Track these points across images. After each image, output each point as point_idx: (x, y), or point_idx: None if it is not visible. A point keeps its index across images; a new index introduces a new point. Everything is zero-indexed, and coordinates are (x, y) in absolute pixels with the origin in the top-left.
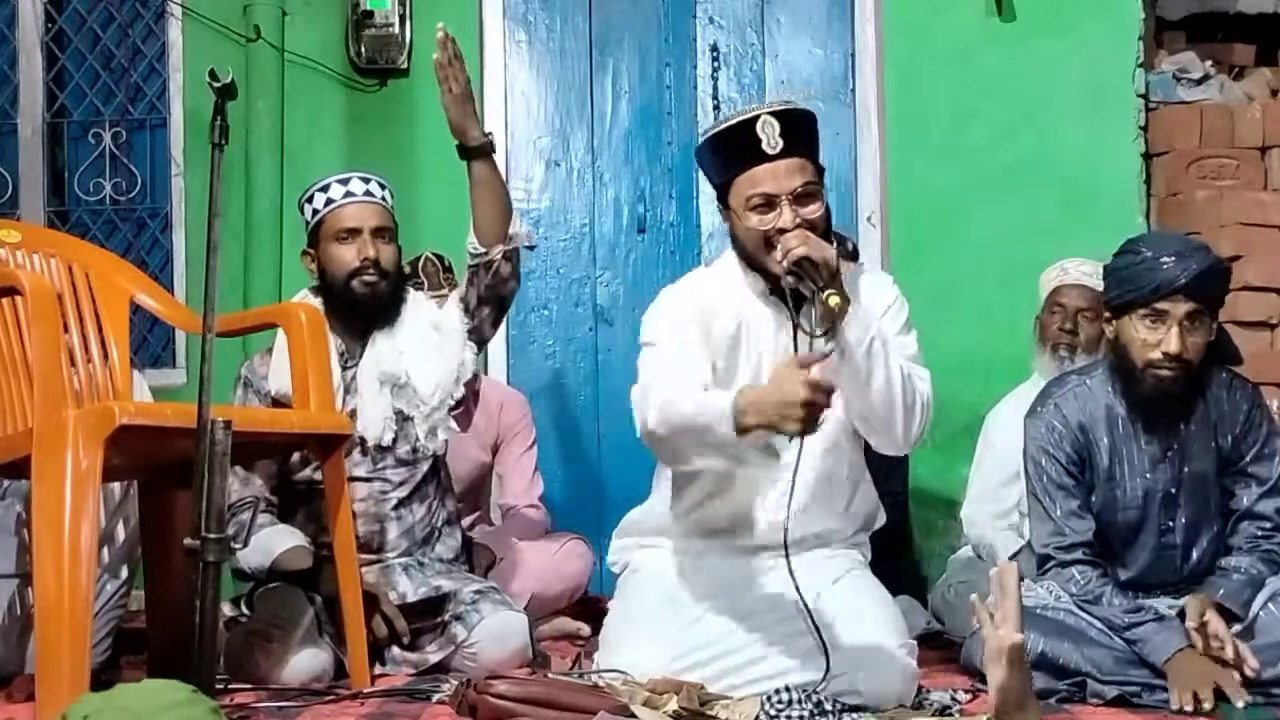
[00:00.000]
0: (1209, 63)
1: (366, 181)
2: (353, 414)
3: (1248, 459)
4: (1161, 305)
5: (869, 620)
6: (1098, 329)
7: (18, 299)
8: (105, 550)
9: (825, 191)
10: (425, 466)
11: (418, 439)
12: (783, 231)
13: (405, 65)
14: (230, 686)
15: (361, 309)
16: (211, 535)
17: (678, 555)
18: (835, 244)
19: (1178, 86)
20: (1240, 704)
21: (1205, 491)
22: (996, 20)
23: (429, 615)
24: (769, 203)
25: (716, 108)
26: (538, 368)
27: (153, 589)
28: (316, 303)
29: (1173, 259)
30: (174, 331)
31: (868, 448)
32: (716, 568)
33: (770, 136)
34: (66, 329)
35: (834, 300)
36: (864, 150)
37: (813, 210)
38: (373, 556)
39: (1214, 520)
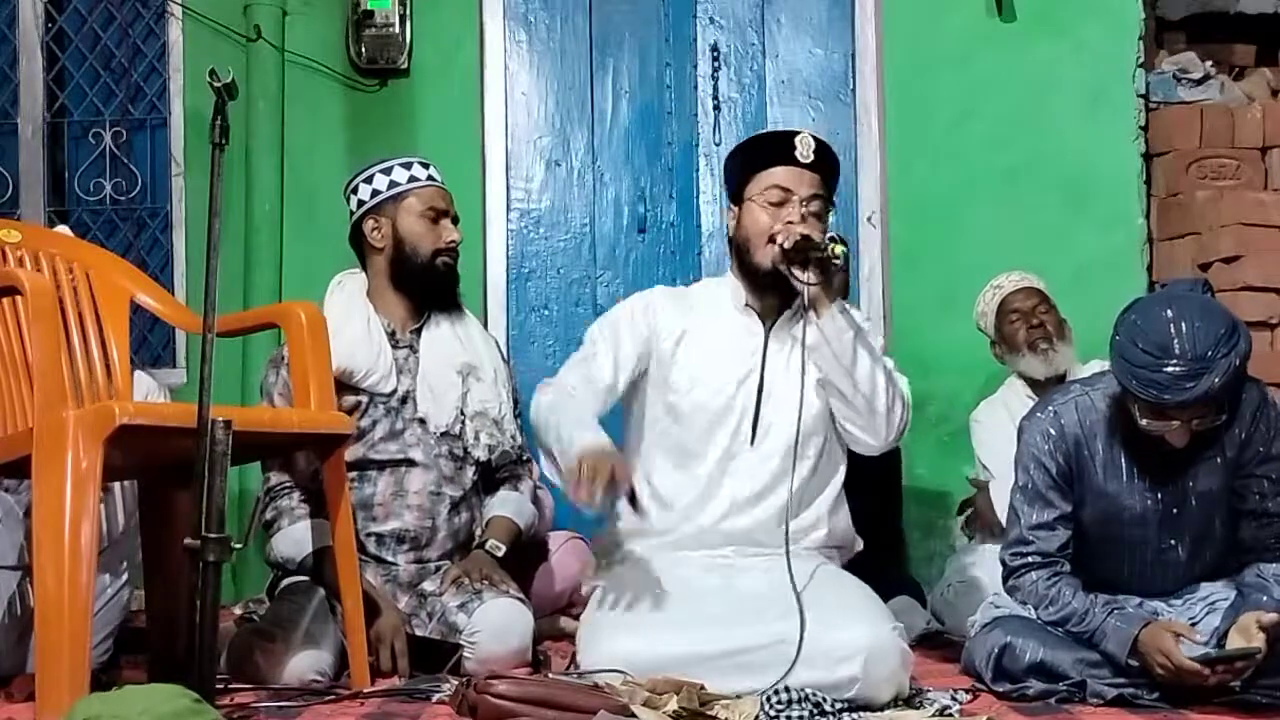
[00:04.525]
0: (1209, 63)
1: (437, 169)
2: (405, 397)
3: (1257, 460)
4: (1171, 412)
5: (858, 609)
6: (1055, 317)
7: (18, 299)
8: (106, 551)
9: (828, 223)
10: (471, 471)
11: (469, 438)
12: (789, 224)
13: (405, 65)
14: (230, 686)
15: (438, 286)
16: (211, 535)
17: (658, 557)
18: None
19: (1178, 86)
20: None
21: (1211, 509)
22: (996, 20)
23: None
24: (784, 199)
25: (716, 108)
26: (538, 367)
27: (153, 589)
28: (360, 280)
29: (1190, 380)
30: (174, 331)
31: (853, 465)
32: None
33: (805, 148)
34: (66, 329)
35: (839, 248)
36: (864, 150)
37: (817, 224)
38: (417, 555)
39: (1218, 532)
